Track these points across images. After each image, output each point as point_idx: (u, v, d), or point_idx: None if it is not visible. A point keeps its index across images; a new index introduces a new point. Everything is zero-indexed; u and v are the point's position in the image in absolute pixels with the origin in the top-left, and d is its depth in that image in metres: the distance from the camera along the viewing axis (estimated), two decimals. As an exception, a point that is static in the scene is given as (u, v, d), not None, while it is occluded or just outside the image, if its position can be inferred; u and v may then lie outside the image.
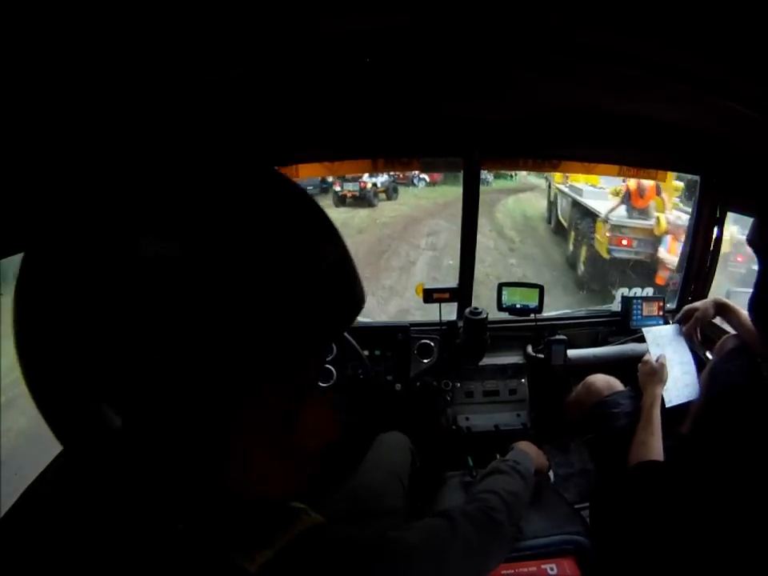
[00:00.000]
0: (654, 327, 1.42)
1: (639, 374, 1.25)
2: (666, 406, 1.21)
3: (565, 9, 0.62)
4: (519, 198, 10.39)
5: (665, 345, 1.36)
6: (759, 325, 0.93)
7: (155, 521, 0.38)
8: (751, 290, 1.04)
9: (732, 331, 1.35)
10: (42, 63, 0.48)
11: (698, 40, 0.65)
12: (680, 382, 1.31)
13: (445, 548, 0.51)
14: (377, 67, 0.86)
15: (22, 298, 0.31)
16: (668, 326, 1.42)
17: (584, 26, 0.68)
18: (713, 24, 0.58)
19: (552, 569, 0.88)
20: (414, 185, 11.13)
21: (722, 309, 1.38)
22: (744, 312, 1.26)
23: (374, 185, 9.38)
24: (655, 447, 1.05)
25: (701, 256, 1.61)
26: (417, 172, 10.08)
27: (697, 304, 1.42)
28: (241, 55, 0.72)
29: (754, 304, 0.86)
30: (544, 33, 0.72)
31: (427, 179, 11.17)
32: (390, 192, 10.05)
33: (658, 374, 1.21)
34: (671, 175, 1.92)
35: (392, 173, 9.78)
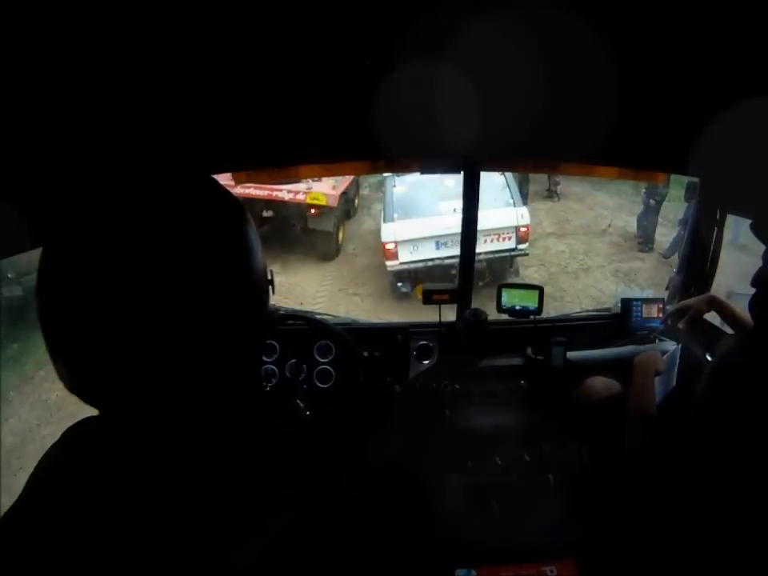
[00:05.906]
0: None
1: (636, 359, 1.20)
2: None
3: (563, 7, 0.62)
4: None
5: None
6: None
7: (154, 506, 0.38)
8: (754, 291, 1.01)
9: (730, 331, 1.35)
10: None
11: (698, 39, 0.65)
12: None
13: None
14: (376, 66, 0.86)
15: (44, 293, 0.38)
16: (669, 349, 1.36)
17: (582, 23, 0.68)
18: (713, 23, 0.58)
19: (552, 571, 0.88)
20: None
21: (715, 304, 1.41)
22: (737, 308, 1.28)
23: None
24: (649, 401, 1.04)
25: (700, 257, 1.60)
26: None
27: (690, 301, 1.44)
28: (240, 55, 0.72)
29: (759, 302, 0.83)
30: (543, 31, 0.71)
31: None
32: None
33: (658, 363, 1.17)
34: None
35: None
